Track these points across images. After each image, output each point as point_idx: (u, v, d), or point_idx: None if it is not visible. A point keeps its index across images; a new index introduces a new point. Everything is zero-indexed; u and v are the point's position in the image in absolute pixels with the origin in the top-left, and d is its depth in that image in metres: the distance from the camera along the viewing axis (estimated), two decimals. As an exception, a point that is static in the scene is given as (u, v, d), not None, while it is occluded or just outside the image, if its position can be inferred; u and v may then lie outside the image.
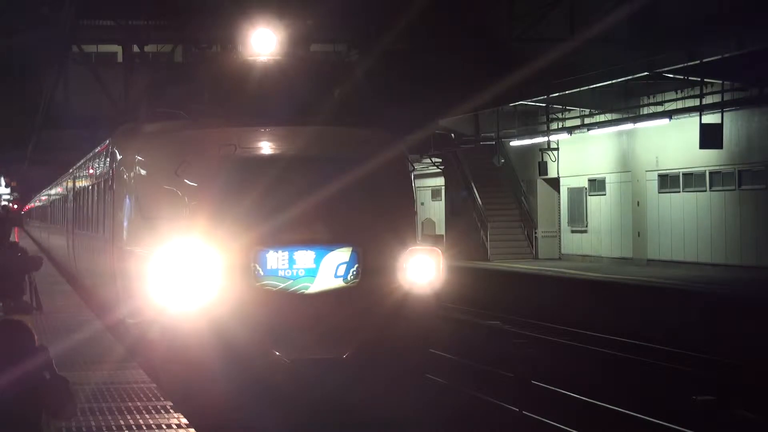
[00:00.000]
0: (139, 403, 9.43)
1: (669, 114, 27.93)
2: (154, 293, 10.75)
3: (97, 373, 10.90)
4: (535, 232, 37.71)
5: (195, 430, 8.41)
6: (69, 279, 23.50)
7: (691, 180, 29.25)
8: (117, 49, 32.19)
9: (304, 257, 10.66)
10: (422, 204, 47.10)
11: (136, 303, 11.59)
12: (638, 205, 31.84)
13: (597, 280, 27.55)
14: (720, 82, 26.07)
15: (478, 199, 39.06)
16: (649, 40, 24.90)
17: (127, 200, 12.45)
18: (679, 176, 29.76)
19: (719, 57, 23.01)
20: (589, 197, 34.89)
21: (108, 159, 14.76)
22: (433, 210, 47.21)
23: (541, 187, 37.58)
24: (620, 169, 32.81)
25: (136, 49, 29.15)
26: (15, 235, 53.36)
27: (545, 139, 34.49)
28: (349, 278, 10.78)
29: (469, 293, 28.24)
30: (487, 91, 28.23)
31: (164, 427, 8.53)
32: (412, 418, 11.22)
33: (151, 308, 10.93)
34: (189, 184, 11.03)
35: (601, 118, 31.69)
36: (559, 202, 36.97)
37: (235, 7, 23.65)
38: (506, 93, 29.08)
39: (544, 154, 35.49)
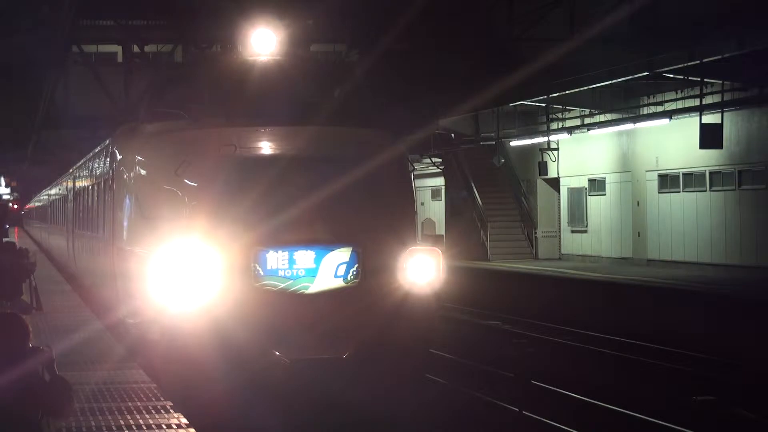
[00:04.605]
0: (139, 403, 9.43)
1: (669, 114, 27.93)
2: (154, 293, 10.75)
3: (97, 373, 10.89)
4: (535, 232, 37.71)
5: (195, 430, 8.41)
6: (69, 279, 23.50)
7: (691, 180, 29.26)
8: (117, 49, 32.15)
9: (304, 257, 10.66)
10: (422, 204, 47.10)
11: (136, 303, 11.60)
12: (638, 205, 31.84)
13: (597, 280, 27.55)
14: (720, 82, 26.08)
15: (478, 199, 39.06)
16: (649, 40, 24.86)
17: (127, 200, 12.45)
18: (679, 176, 29.76)
19: (719, 57, 23.01)
20: (589, 197, 34.89)
21: (108, 159, 14.76)
22: (433, 210, 47.21)
23: (541, 187, 37.58)
24: (620, 169, 32.81)
25: (136, 49, 29.13)
26: (15, 235, 53.41)
27: (545, 139, 34.50)
28: (349, 278, 10.78)
29: (469, 293, 28.24)
30: (487, 91, 28.21)
31: (164, 427, 8.53)
32: (412, 417, 11.22)
33: (151, 308, 10.93)
34: (189, 184, 11.04)
35: (601, 118, 31.69)
36: (559, 202, 36.97)
37: (235, 7, 23.63)
38: (506, 93, 29.05)
39: (544, 154, 35.50)
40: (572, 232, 36.12)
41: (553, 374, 17.12)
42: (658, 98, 29.79)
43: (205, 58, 25.32)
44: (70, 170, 26.46)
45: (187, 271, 10.51)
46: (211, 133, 11.59)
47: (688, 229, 29.40)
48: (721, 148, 25.92)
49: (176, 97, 12.72)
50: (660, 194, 30.72)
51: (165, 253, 10.64)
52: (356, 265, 10.79)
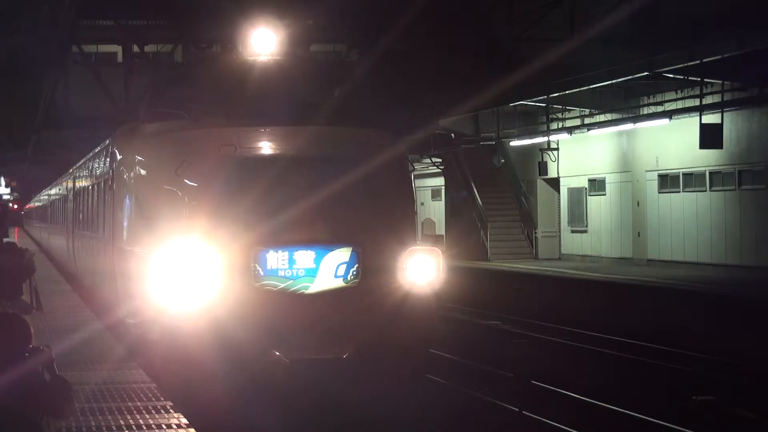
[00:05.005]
0: (139, 403, 9.43)
1: (669, 114, 27.94)
2: (154, 293, 10.75)
3: (97, 373, 10.89)
4: (535, 232, 37.71)
5: (195, 430, 8.40)
6: (69, 279, 23.49)
7: (691, 180, 29.26)
8: (117, 49, 32.16)
9: (304, 257, 10.66)
10: (422, 204, 47.11)
11: (136, 303, 11.60)
12: (638, 205, 31.84)
13: (597, 280, 27.55)
14: (720, 82, 26.07)
15: (478, 199, 39.06)
16: (649, 40, 24.87)
17: (127, 200, 12.45)
18: (679, 176, 29.76)
19: (719, 57, 23.01)
20: (589, 197, 34.89)
21: (108, 159, 14.77)
22: (433, 210, 47.21)
23: (541, 187, 37.59)
24: (620, 169, 32.82)
25: (136, 49, 29.14)
26: (15, 235, 53.40)
27: (545, 139, 34.50)
28: (349, 278, 10.78)
29: (469, 293, 28.24)
30: (487, 91, 28.21)
31: (164, 427, 8.53)
32: (412, 417, 11.22)
33: (151, 308, 10.93)
34: (189, 184, 11.04)
35: (601, 118, 31.70)
36: (559, 202, 36.98)
37: (235, 7, 23.63)
38: (506, 93, 29.06)
39: (544, 154, 35.50)
40: (572, 232, 36.12)
41: (553, 374, 17.11)
42: (658, 98, 29.79)
43: (205, 58, 25.33)
44: (70, 170, 26.46)
45: (187, 271, 10.51)
46: (211, 133, 11.59)
47: (688, 229, 29.40)
48: (721, 148, 25.92)
49: (176, 97, 12.72)
50: (660, 194, 30.72)
51: (165, 253, 10.64)
52: (356, 265, 10.79)
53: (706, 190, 28.66)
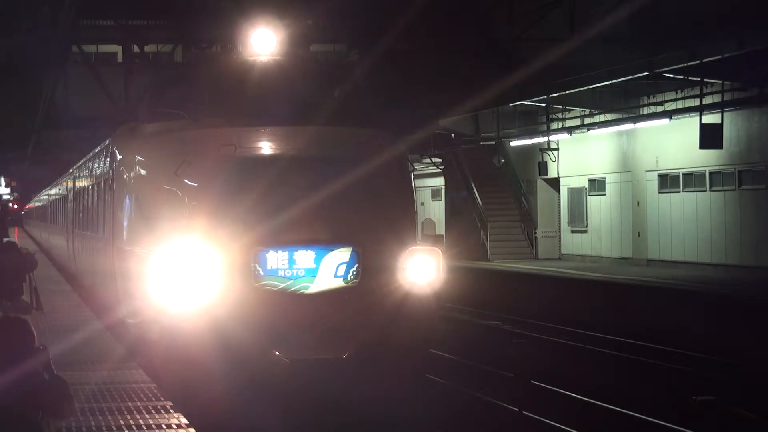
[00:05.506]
0: (139, 403, 9.43)
1: (669, 114, 27.94)
2: (154, 293, 10.75)
3: (97, 373, 10.89)
4: (535, 232, 37.71)
5: (195, 430, 8.41)
6: (69, 279, 23.49)
7: (691, 180, 29.26)
8: (117, 49, 32.21)
9: (304, 257, 10.66)
10: (422, 204, 47.11)
11: (136, 303, 11.60)
12: (638, 205, 31.84)
13: (597, 281, 27.55)
14: (720, 82, 26.08)
15: (478, 199, 39.07)
16: (649, 40, 24.89)
17: (127, 200, 12.45)
18: (679, 176, 29.77)
19: (719, 57, 23.02)
20: (589, 197, 34.89)
21: (108, 159, 14.77)
22: (433, 210, 47.21)
23: (541, 187, 37.59)
24: (620, 169, 32.82)
25: (136, 49, 29.17)
26: (15, 235, 53.40)
27: (545, 139, 34.51)
28: (349, 278, 10.77)
29: (469, 293, 28.24)
30: (487, 91, 28.23)
31: (164, 427, 8.53)
32: (412, 417, 11.22)
33: (151, 308, 10.93)
34: (189, 184, 11.04)
35: (601, 118, 31.71)
36: (559, 202, 36.98)
37: (235, 7, 23.65)
38: (506, 93, 29.08)
39: (544, 154, 35.51)
40: (572, 232, 36.12)
41: (553, 374, 17.11)
42: (658, 98, 29.79)
43: (205, 58, 25.36)
44: (70, 170, 26.46)
45: (187, 271, 10.51)
46: (211, 133, 11.58)
47: (688, 229, 29.40)
48: (721, 148, 25.92)
49: (176, 97, 12.71)
50: (660, 194, 30.72)
51: (165, 253, 10.64)
52: (356, 265, 10.78)
53: (706, 190, 28.67)
